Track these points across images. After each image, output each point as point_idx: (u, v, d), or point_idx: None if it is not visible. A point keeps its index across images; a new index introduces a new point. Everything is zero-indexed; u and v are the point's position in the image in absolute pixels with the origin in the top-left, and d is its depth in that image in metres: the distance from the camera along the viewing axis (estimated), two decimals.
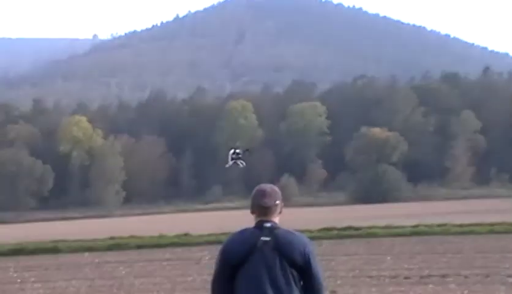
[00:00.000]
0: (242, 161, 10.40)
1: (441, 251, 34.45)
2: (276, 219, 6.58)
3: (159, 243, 45.00)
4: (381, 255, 33.69)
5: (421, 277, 25.45)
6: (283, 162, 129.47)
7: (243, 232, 6.55)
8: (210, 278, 6.72)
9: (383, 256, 33.08)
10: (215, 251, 6.94)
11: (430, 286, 22.99)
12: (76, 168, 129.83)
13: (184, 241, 45.15)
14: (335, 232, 46.02)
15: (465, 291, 21.52)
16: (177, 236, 46.89)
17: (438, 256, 32.30)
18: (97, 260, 38.34)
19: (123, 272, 32.31)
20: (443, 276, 25.26)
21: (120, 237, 47.48)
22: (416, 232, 44.62)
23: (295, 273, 6.42)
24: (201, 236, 46.23)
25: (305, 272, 6.43)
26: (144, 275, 30.09)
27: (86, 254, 42.16)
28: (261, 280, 6.36)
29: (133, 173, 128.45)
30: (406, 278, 25.28)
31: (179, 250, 41.84)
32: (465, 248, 35.03)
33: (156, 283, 27.40)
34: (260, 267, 6.39)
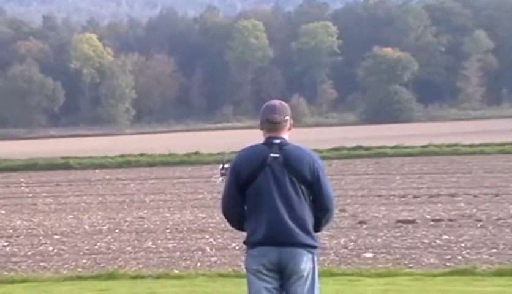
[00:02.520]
0: None
1: (450, 171, 34.59)
2: (285, 135, 6.54)
3: (169, 161, 45.25)
4: (390, 175, 33.87)
5: (430, 196, 25.62)
6: (293, 82, 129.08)
7: (253, 148, 6.52)
8: (220, 196, 6.75)
9: (392, 176, 33.26)
10: None
11: (439, 205, 23.15)
12: (86, 85, 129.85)
13: (194, 160, 45.39)
14: (345, 152, 46.15)
15: (474, 210, 21.66)
16: (188, 154, 47.09)
17: (447, 176, 32.45)
18: (108, 177, 38.68)
19: (134, 189, 32.63)
20: (452, 195, 25.42)
21: (131, 155, 47.73)
22: (425, 152, 44.72)
23: (304, 188, 6.41)
24: (211, 154, 46.43)
25: (314, 187, 6.42)
26: (155, 193, 30.37)
27: (97, 171, 42.49)
28: (272, 195, 6.37)
29: (143, 91, 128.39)
30: (415, 197, 25.45)
31: (189, 168, 42.12)
32: (474, 168, 35.16)
33: (167, 200, 27.68)
34: (270, 183, 6.38)
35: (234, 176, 6.45)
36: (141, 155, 47.92)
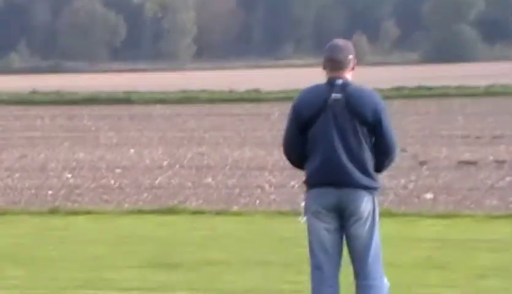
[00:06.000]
0: None
1: None
2: (348, 75, 6.44)
3: (229, 98, 45.31)
4: (452, 115, 33.47)
5: (493, 137, 25.28)
6: (355, 20, 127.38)
7: (314, 88, 6.45)
8: (279, 134, 6.74)
9: (455, 116, 32.85)
10: (285, 108, 6.93)
11: (502, 146, 22.82)
12: (148, 20, 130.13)
13: (254, 97, 45.35)
14: (407, 91, 45.64)
15: None
16: (248, 91, 47.06)
17: None
18: (168, 112, 38.95)
19: (194, 125, 32.81)
20: None
21: (192, 91, 47.91)
22: (490, 92, 43.97)
23: (365, 130, 6.33)
24: (271, 92, 46.33)
25: (376, 129, 6.34)
26: (214, 129, 30.51)
27: (158, 106, 42.78)
28: (332, 137, 6.32)
29: (204, 27, 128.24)
30: (477, 138, 25.13)
31: (249, 105, 42.10)
32: None
33: (226, 137, 27.77)
34: (331, 124, 6.32)
35: (295, 117, 6.41)
36: (202, 91, 48.07)
